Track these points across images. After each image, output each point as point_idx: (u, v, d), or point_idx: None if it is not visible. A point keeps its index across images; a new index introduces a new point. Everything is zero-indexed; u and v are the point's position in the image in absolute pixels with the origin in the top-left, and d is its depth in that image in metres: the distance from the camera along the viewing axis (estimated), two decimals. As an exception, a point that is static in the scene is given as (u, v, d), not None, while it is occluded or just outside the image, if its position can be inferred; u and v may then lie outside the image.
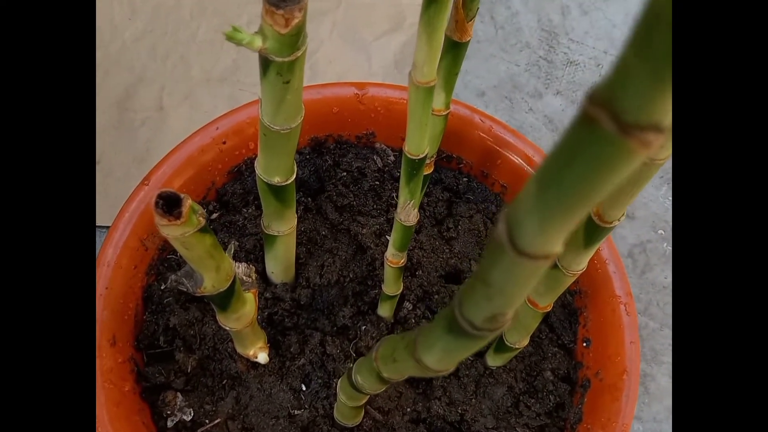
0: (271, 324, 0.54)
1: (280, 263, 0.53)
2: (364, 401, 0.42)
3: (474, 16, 0.41)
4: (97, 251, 0.51)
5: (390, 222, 0.59)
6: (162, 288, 0.54)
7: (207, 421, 0.50)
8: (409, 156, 0.39)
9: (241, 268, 0.46)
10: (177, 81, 0.89)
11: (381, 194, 0.60)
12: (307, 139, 0.61)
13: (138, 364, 0.51)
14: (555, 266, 0.41)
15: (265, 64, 0.35)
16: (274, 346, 0.53)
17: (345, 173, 0.60)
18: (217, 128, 0.57)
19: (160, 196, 0.32)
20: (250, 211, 0.58)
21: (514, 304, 0.21)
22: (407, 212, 0.41)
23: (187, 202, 0.32)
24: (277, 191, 0.45)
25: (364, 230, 0.58)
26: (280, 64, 0.34)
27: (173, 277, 0.39)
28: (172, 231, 0.33)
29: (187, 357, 0.52)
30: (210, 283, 0.38)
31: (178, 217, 0.32)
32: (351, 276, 0.57)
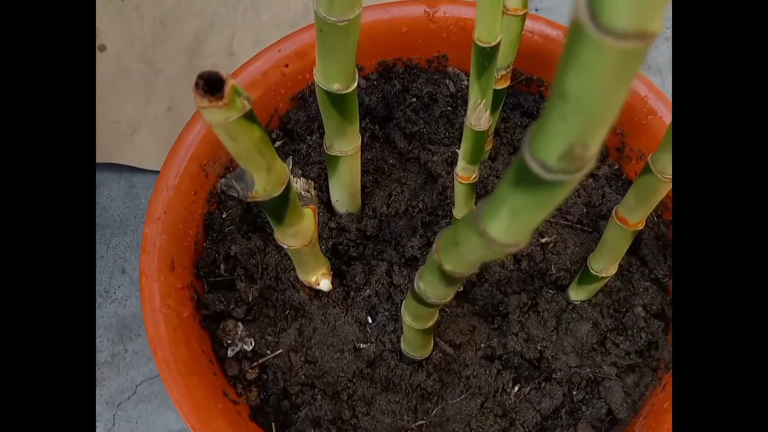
0: (335, 254, 0.51)
1: (344, 189, 0.50)
2: (431, 323, 0.38)
3: None
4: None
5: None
6: (223, 216, 0.52)
7: (268, 351, 0.48)
8: (479, 44, 0.35)
9: (299, 183, 0.43)
10: (247, 27, 0.87)
11: (453, 121, 0.56)
12: (374, 64, 0.57)
13: (198, 292, 0.49)
14: (648, 170, 0.36)
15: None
16: (338, 277, 0.50)
17: (415, 99, 0.56)
18: (280, 50, 0.54)
19: (200, 77, 0.29)
20: (314, 138, 0.55)
21: (598, 126, 0.17)
22: (478, 114, 0.37)
23: (230, 82, 0.29)
24: (337, 101, 0.42)
25: (435, 158, 0.54)
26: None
27: (223, 180, 0.36)
28: (214, 115, 0.30)
29: (249, 286, 0.49)
30: (261, 186, 0.35)
31: (220, 97, 0.29)
32: (420, 206, 0.53)
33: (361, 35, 0.38)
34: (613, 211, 0.41)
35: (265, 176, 0.34)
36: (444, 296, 0.31)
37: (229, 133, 0.31)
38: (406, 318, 0.38)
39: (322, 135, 0.55)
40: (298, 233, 0.41)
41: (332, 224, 0.51)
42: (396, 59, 0.57)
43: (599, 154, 0.56)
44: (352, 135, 0.46)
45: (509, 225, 0.21)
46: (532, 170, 0.18)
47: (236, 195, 0.36)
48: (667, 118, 0.51)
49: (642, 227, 0.41)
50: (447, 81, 0.57)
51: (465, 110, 0.55)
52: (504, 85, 0.47)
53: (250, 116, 0.31)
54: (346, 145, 0.46)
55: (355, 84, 0.41)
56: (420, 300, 0.33)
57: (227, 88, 0.29)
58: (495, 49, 0.35)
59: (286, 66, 0.54)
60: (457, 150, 0.55)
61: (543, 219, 0.21)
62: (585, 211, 0.53)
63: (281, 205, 0.37)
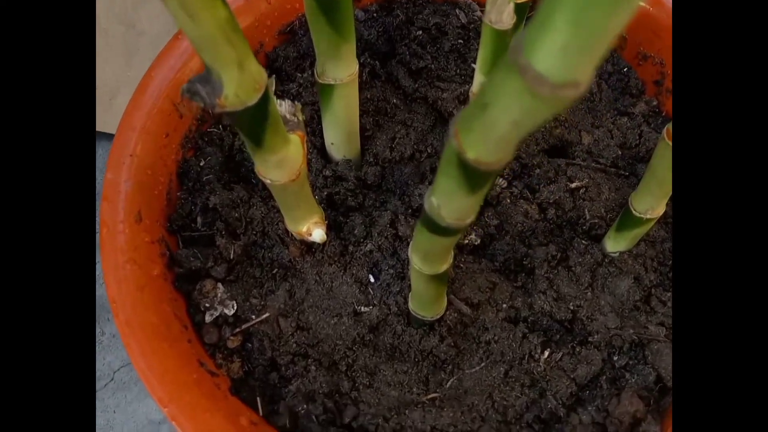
0: (331, 206, 0.44)
1: (340, 128, 0.43)
2: (444, 265, 0.31)
3: None
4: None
5: (477, 90, 0.47)
6: (201, 164, 0.45)
7: (253, 316, 0.41)
8: None
9: (284, 105, 0.36)
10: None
11: (465, 56, 0.49)
12: (374, -7, 0.50)
13: (170, 248, 0.42)
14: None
15: None
16: (334, 230, 0.43)
17: (421, 32, 0.49)
18: (264, -25, 0.47)
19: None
20: (305, 77, 0.48)
21: None
22: (500, 7, 0.30)
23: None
24: (328, 9, 0.35)
25: (445, 95, 0.46)
26: None
27: (185, 85, 0.29)
28: (160, -25, 0.23)
29: (230, 242, 0.42)
30: (232, 90, 0.28)
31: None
32: (429, 150, 0.46)
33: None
34: (664, 132, 0.33)
35: (236, 75, 0.27)
36: (465, 212, 0.24)
37: (186, 6, 0.24)
38: (415, 260, 0.31)
39: (314, 73, 0.48)
40: (283, 163, 0.33)
41: (327, 172, 0.44)
42: (398, -13, 0.50)
43: (634, 89, 0.49)
44: (347, 56, 0.38)
45: (567, 44, 0.14)
46: None
47: (201, 102, 0.29)
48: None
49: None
50: (457, 11, 0.50)
51: (477, 45, 0.48)
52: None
53: (209, -17, 0.24)
54: (340, 70, 0.39)
55: (350, -16, 0.34)
56: (433, 225, 0.26)
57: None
58: None
59: (272, -7, 0.47)
60: (470, 88, 0.48)
61: (618, 30, 0.14)
62: (620, 153, 0.46)
63: (259, 120, 0.30)
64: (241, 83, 0.28)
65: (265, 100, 0.29)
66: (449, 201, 0.24)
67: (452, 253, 0.31)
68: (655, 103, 0.48)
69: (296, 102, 0.35)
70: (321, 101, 0.42)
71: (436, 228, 0.26)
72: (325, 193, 0.44)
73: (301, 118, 0.35)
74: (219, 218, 0.43)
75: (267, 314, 0.41)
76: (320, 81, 0.40)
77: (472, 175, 0.21)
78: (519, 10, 0.39)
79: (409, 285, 0.39)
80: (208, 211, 0.43)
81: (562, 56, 0.14)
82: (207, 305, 0.41)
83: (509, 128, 0.18)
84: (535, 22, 0.15)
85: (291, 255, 0.42)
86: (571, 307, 0.40)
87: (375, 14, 0.50)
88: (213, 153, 0.45)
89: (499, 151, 0.19)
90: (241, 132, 0.31)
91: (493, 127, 0.18)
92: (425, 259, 0.30)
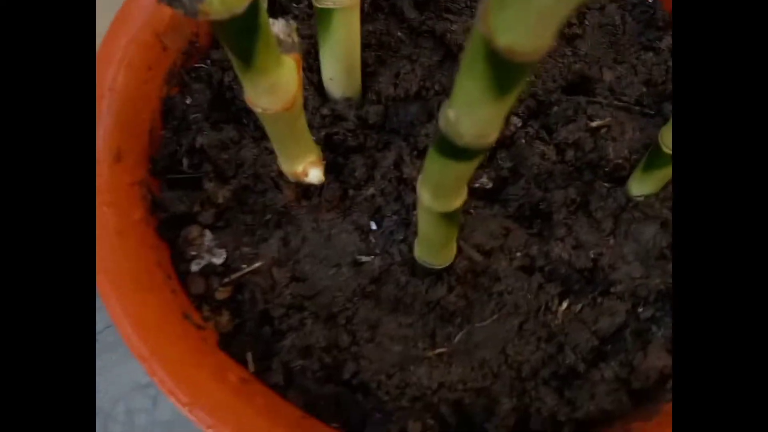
0: (329, 147, 0.40)
1: (340, 61, 0.39)
2: (458, 200, 0.27)
3: None
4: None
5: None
6: (187, 102, 0.41)
7: (244, 266, 0.37)
8: None
9: (278, 25, 0.32)
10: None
11: (476, -15, 0.45)
12: None
13: (153, 192, 0.38)
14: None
15: None
16: (333, 171, 0.39)
17: (427, -42, 0.45)
18: None
19: None
20: (301, 7, 0.44)
21: None
22: None
23: None
24: None
25: (455, 27, 0.42)
26: None
27: (160, -10, 0.25)
28: None
29: (219, 186, 0.39)
30: (215, -4, 0.24)
31: None
32: (437, 87, 0.42)
33: None
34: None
35: (219, -23, 0.23)
36: (489, 126, 0.21)
37: None
38: (425, 196, 0.28)
39: (310, 4, 0.44)
40: (276, 88, 0.30)
41: (325, 110, 0.41)
42: None
43: (661, 21, 0.45)
44: (347, -26, 0.35)
45: None
46: None
47: (182, 8, 0.25)
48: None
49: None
50: (468, -64, 0.46)
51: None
52: None
53: None
54: (340, -8, 0.35)
55: None
56: (448, 146, 0.22)
57: None
58: None
59: None
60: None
61: None
62: (645, 90, 0.42)
63: (248, 34, 0.26)
64: (225, -13, 0.24)
65: (254, 8, 0.25)
66: (471, 110, 0.20)
67: (466, 187, 0.28)
68: (683, 37, 0.44)
69: (291, 21, 0.31)
70: (319, 30, 0.38)
71: (452, 150, 0.23)
72: (323, 133, 0.40)
73: (296, 39, 0.31)
74: (207, 160, 0.39)
75: (259, 263, 0.37)
76: (318, 5, 0.36)
77: (502, 72, 0.17)
78: None
79: (414, 232, 0.36)
80: (195, 152, 0.40)
81: None
82: (193, 253, 0.37)
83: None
84: None
85: (285, 199, 0.38)
86: (592, 255, 0.37)
87: (378, -60, 0.46)
88: (200, 90, 0.42)
89: (538, 34, 0.16)
90: (228, 49, 0.27)
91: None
92: (437, 192, 0.27)
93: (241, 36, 0.26)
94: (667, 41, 0.43)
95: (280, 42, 0.31)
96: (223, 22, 0.25)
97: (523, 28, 0.16)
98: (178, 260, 0.37)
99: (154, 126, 0.40)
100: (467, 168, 0.25)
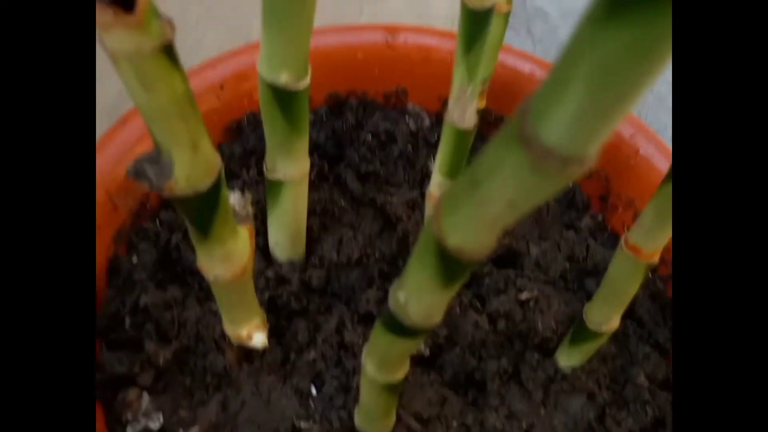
0: (272, 310, 0.41)
1: (287, 227, 0.41)
2: (401, 372, 0.29)
3: None
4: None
5: (425, 197, 0.47)
6: (133, 261, 0.42)
7: (181, 430, 0.37)
8: (469, 6, 0.28)
9: (234, 197, 0.34)
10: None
11: (414, 162, 0.49)
12: (324, 96, 0.50)
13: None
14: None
15: None
16: (276, 335, 0.40)
17: (370, 136, 0.49)
18: (215, 69, 0.46)
19: (103, -9, 0.21)
20: (251, 174, 0.46)
21: None
22: (463, 105, 0.30)
23: (144, -5, 0.21)
24: (285, 101, 0.34)
25: (394, 199, 0.46)
26: None
27: (131, 165, 0.27)
28: (121, 40, 0.21)
29: (160, 346, 0.39)
30: (183, 173, 0.26)
31: (130, 8, 0.20)
32: (377, 255, 0.44)
33: (310, 61, 0.31)
34: (622, 240, 0.33)
35: (189, 157, 0.25)
36: (435, 311, 0.22)
37: (141, 75, 0.22)
38: (369, 367, 0.29)
39: (259, 171, 0.47)
40: (230, 256, 0.31)
41: (269, 273, 0.42)
42: (349, 92, 0.50)
43: (580, 204, 0.49)
44: (299, 152, 0.37)
45: (581, 115, 0.13)
46: None
47: (149, 184, 0.26)
48: (657, 158, 0.45)
49: (657, 262, 0.33)
50: (406, 118, 0.50)
51: (427, 151, 0.48)
52: (481, 105, 0.40)
53: (170, 53, 0.22)
54: (292, 166, 0.38)
55: (308, 79, 0.34)
56: (396, 325, 0.24)
57: (141, 1, 0.21)
58: (488, 13, 0.28)
59: (221, 89, 0.46)
60: (418, 196, 0.47)
61: (637, 101, 0.13)
62: (567, 266, 0.45)
63: (209, 208, 0.28)
64: (193, 166, 0.26)
65: (217, 186, 0.27)
66: (419, 296, 0.22)
67: (408, 360, 0.29)
68: (600, 218, 0.48)
69: (246, 194, 0.33)
70: (268, 198, 0.40)
71: (400, 328, 0.24)
72: (267, 296, 0.41)
73: (250, 210, 0.33)
74: (149, 320, 0.39)
75: (196, 428, 0.37)
76: (269, 177, 0.38)
77: (449, 266, 0.19)
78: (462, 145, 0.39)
79: (355, 398, 0.36)
80: (138, 311, 0.40)
81: (575, 127, 0.13)
82: (129, 417, 0.37)
83: (503, 209, 0.16)
84: (543, 89, 0.14)
85: (227, 362, 0.39)
86: (524, 426, 0.38)
87: (324, 117, 0.50)
88: (147, 250, 0.43)
89: (485, 238, 0.18)
90: (187, 220, 0.29)
91: (484, 207, 0.16)
92: (381, 365, 0.28)
93: (201, 210, 0.28)
94: (587, 221, 0.48)
95: (235, 213, 0.33)
96: (186, 198, 0.27)
97: (471, 232, 0.18)
98: (113, 423, 0.36)
99: (99, 286, 0.40)
100: (412, 344, 0.26)
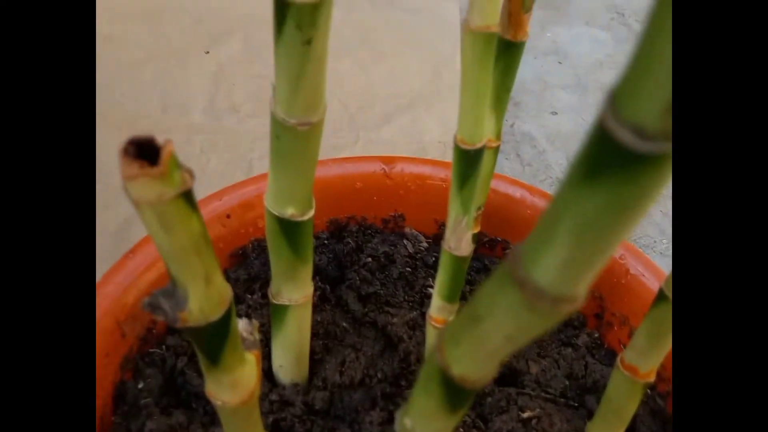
0: (276, 433, 0.42)
1: (290, 351, 0.42)
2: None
3: (531, 8, 0.35)
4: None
5: (425, 317, 0.48)
6: (139, 387, 0.43)
7: None
8: (462, 147, 0.30)
9: (241, 324, 0.35)
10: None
11: (413, 283, 0.50)
12: (325, 222, 0.52)
13: (97, 480, 0.38)
14: (664, 298, 0.31)
15: (281, 10, 0.28)
16: (279, 459, 0.40)
17: (370, 258, 0.51)
18: (222, 200, 0.48)
19: (130, 142, 0.23)
20: (255, 298, 0.48)
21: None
22: (459, 234, 0.32)
23: (169, 148, 0.23)
24: (290, 231, 0.36)
25: (395, 320, 0.47)
26: (300, 8, 0.27)
27: (147, 299, 0.28)
28: (145, 189, 0.23)
29: (164, 473, 0.39)
30: (197, 305, 0.27)
31: (154, 161, 0.23)
32: (379, 375, 0.45)
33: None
34: (618, 360, 0.34)
35: (203, 290, 0.27)
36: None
37: (162, 218, 0.24)
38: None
39: (263, 295, 0.48)
40: (238, 383, 0.32)
41: (273, 396, 0.43)
42: (349, 218, 0.53)
43: (576, 322, 0.51)
44: (304, 278, 0.39)
45: (569, 260, 0.15)
46: (618, 141, 0.13)
47: (164, 317, 0.28)
48: (647, 277, 0.47)
49: (654, 380, 0.34)
50: (404, 241, 0.52)
51: (425, 272, 0.50)
52: (475, 230, 0.42)
53: (189, 198, 0.24)
54: (296, 291, 0.39)
55: (312, 212, 0.36)
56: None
57: (165, 154, 0.23)
58: (480, 153, 0.31)
59: (228, 217, 0.48)
60: (419, 315, 0.48)
61: (625, 237, 0.15)
62: (567, 383, 0.46)
63: (219, 337, 0.29)
64: (206, 298, 0.27)
65: (227, 316, 0.29)
66: (425, 422, 0.23)
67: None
68: (596, 335, 0.49)
69: (253, 320, 0.35)
70: (273, 322, 0.41)
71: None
72: (271, 419, 0.42)
73: (257, 337, 0.34)
74: (154, 446, 0.40)
75: None
76: (275, 302, 0.40)
77: (454, 394, 0.21)
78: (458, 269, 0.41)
79: None
80: (143, 438, 0.40)
81: (563, 271, 0.15)
82: None
83: (502, 343, 0.18)
84: (535, 236, 0.15)
85: (231, 488, 0.39)
86: None
87: (326, 241, 0.52)
88: (153, 375, 0.43)
89: (486, 367, 0.19)
90: (198, 349, 0.30)
91: (484, 341, 0.18)
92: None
93: (213, 339, 0.29)
94: (584, 338, 0.49)
95: (242, 339, 0.34)
96: (199, 328, 0.28)
97: (473, 362, 0.19)
98: None
99: (105, 412, 0.40)
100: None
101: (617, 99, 0.13)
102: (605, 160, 0.13)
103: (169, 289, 0.28)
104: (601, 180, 0.13)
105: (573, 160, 0.14)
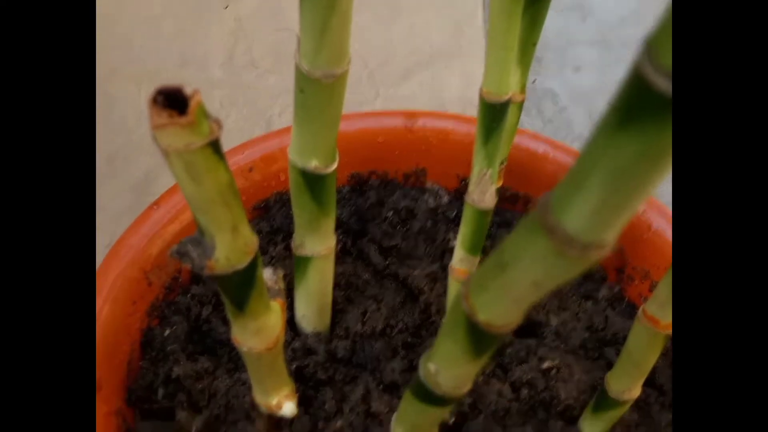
0: (300, 379, 0.42)
1: (313, 301, 0.43)
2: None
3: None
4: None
5: (446, 270, 0.48)
6: (165, 333, 0.44)
7: (212, 500, 0.38)
8: (487, 100, 0.30)
9: (266, 273, 0.36)
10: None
11: (434, 237, 0.51)
12: (347, 176, 0.52)
13: (128, 421, 0.39)
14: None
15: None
16: (303, 404, 0.41)
17: (391, 212, 0.51)
18: (244, 154, 0.49)
19: (159, 92, 0.23)
20: (278, 250, 0.49)
21: None
22: (483, 187, 0.32)
23: (197, 98, 0.24)
24: (313, 183, 0.36)
25: (416, 272, 0.47)
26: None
27: (175, 246, 0.29)
28: (174, 138, 0.23)
29: (192, 416, 0.40)
30: (224, 253, 0.28)
31: (183, 111, 0.23)
32: (400, 326, 0.46)
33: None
34: (640, 311, 0.34)
35: (230, 239, 0.28)
36: (464, 380, 0.24)
37: (190, 168, 0.25)
38: (399, 435, 0.30)
39: (286, 247, 0.49)
40: (262, 330, 0.33)
41: (296, 344, 0.44)
42: (371, 172, 0.53)
43: (597, 275, 0.51)
44: (326, 230, 0.39)
45: (600, 206, 0.15)
46: (655, 88, 0.13)
47: (191, 264, 0.29)
48: (669, 232, 0.47)
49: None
50: (426, 196, 0.52)
51: (446, 226, 0.50)
52: (498, 184, 0.42)
53: (217, 148, 0.25)
54: (319, 243, 0.40)
55: (336, 165, 0.36)
56: (426, 394, 0.25)
57: (193, 104, 0.23)
58: (506, 106, 0.31)
59: (250, 171, 0.49)
60: (439, 269, 0.49)
61: (657, 185, 0.15)
62: (587, 336, 0.47)
63: (245, 285, 0.30)
64: (233, 247, 0.28)
65: (253, 264, 0.29)
66: (450, 367, 0.23)
67: (437, 427, 0.30)
68: (617, 289, 0.50)
69: (278, 270, 0.35)
70: (296, 273, 0.42)
71: (429, 397, 0.26)
72: (294, 366, 0.42)
73: (282, 286, 0.35)
74: (181, 390, 0.41)
75: (227, 498, 0.38)
76: (297, 253, 0.40)
77: (479, 339, 0.21)
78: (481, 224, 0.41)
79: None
80: (171, 382, 0.41)
81: (594, 218, 0.15)
82: (162, 487, 0.38)
83: (529, 289, 0.18)
84: (565, 184, 0.16)
85: (257, 431, 0.40)
86: (549, 495, 0.39)
87: (347, 195, 0.52)
88: (179, 322, 0.44)
89: (512, 314, 0.20)
90: (225, 296, 0.31)
91: (511, 288, 0.18)
92: (411, 429, 0.29)
93: (239, 287, 0.30)
94: (604, 292, 0.49)
95: (268, 288, 0.34)
96: (225, 275, 0.29)
97: (499, 308, 0.20)
98: (146, 494, 0.37)
99: (132, 357, 0.42)
100: (441, 412, 0.28)
101: (654, 46, 0.13)
102: (641, 106, 0.13)
103: (196, 238, 0.28)
104: (636, 126, 0.13)
105: (607, 107, 0.14)
